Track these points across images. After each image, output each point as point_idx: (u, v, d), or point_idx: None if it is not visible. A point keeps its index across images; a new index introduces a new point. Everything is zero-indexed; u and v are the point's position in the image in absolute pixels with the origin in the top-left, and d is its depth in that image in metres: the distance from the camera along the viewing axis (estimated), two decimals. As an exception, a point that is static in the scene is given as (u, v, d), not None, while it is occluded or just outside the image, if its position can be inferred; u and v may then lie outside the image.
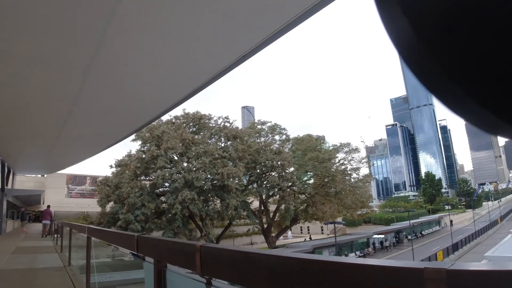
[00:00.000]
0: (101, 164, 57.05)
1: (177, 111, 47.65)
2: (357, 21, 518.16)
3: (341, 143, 51.89)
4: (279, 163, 40.51)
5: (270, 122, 47.98)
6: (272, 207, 47.36)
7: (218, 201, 37.89)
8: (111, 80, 6.97)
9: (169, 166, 36.05)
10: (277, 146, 44.73)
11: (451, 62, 0.40)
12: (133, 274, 4.82)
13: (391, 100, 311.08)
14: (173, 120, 40.22)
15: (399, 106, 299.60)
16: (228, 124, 41.48)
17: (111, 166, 38.40)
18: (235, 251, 1.74)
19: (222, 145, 40.44)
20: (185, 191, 33.29)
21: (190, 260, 2.09)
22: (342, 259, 1.23)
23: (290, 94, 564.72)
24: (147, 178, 37.74)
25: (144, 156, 35.83)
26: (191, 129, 40.55)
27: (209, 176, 36.25)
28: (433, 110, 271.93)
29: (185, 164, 37.01)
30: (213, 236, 36.55)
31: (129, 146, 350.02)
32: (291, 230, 60.58)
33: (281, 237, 53.64)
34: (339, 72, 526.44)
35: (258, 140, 46.18)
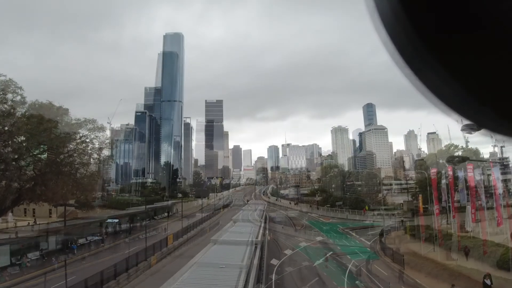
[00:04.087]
0: None
1: None
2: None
3: (85, 118, 47.53)
4: (6, 128, 32.99)
5: (5, 76, 37.65)
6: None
7: None
8: None
9: None
10: (7, 107, 35.95)
11: (451, 58, 0.39)
12: None
13: (145, 89, 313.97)
14: None
15: (152, 96, 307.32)
16: None
17: None
18: None
19: None
20: None
21: None
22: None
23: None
24: None
25: None
26: None
27: None
28: (181, 107, 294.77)
29: None
30: None
31: None
32: (12, 212, 50.75)
33: None
34: (104, 42, 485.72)
35: (-19, 96, 36.00)
